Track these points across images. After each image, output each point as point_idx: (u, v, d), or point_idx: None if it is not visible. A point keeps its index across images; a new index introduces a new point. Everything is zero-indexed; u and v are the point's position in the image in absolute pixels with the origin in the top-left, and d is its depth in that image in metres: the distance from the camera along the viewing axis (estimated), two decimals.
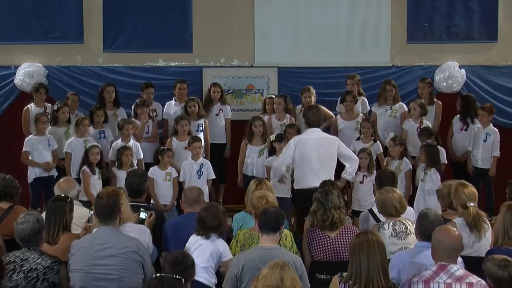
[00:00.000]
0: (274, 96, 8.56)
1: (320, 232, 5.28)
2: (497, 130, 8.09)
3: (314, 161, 6.56)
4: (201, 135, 8.17)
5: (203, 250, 4.88)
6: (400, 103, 8.46)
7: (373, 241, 4.05)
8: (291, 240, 5.27)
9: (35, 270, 4.38)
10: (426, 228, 4.62)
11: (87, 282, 4.47)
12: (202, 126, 8.32)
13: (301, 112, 8.33)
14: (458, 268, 4.05)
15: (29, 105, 8.50)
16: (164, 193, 7.41)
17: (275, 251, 4.55)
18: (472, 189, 5.38)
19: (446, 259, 4.09)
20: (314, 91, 8.46)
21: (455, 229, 4.27)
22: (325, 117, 8.54)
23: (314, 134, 6.67)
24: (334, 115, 8.53)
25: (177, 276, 3.79)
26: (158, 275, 3.81)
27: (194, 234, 4.99)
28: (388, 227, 5.16)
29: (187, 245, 4.97)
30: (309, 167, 6.56)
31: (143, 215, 5.43)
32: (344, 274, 4.10)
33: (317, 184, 6.15)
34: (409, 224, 5.17)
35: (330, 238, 5.25)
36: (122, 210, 4.81)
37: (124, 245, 4.54)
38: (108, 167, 7.77)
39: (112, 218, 4.64)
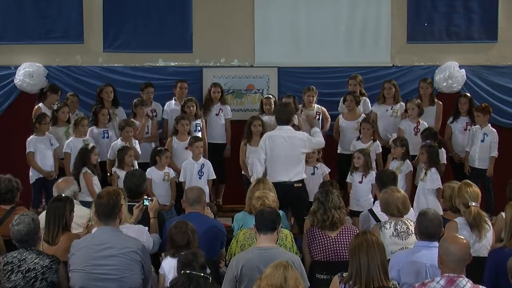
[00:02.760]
0: (271, 96, 8.54)
1: (320, 232, 5.28)
2: (495, 130, 8.03)
3: (282, 158, 6.72)
4: (199, 135, 8.14)
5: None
6: (401, 103, 8.43)
7: (373, 241, 4.04)
8: (291, 240, 5.27)
9: (33, 270, 4.39)
10: (425, 227, 4.60)
11: (87, 282, 4.46)
12: (199, 126, 8.31)
13: (302, 112, 8.36)
14: (466, 282, 3.89)
15: (39, 105, 8.44)
16: (163, 193, 7.40)
17: (273, 251, 4.55)
18: (475, 189, 5.41)
19: (454, 269, 3.94)
20: (317, 91, 8.47)
21: (462, 237, 4.18)
22: (321, 117, 8.61)
23: (283, 132, 6.81)
24: (330, 117, 8.55)
25: (205, 275, 3.71)
26: (186, 272, 3.72)
27: (168, 258, 4.82)
28: (390, 227, 5.15)
29: (161, 271, 4.82)
30: (278, 163, 6.73)
31: (146, 202, 5.51)
32: (345, 274, 4.08)
33: (285, 179, 6.63)
34: (410, 225, 5.15)
35: (330, 238, 5.25)
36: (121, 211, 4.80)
37: (124, 245, 4.54)
38: (106, 166, 7.79)
39: (112, 218, 4.64)
